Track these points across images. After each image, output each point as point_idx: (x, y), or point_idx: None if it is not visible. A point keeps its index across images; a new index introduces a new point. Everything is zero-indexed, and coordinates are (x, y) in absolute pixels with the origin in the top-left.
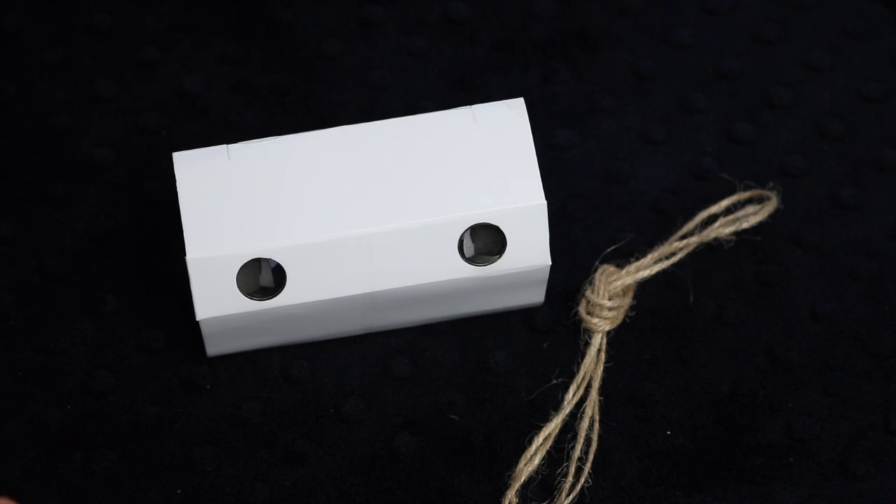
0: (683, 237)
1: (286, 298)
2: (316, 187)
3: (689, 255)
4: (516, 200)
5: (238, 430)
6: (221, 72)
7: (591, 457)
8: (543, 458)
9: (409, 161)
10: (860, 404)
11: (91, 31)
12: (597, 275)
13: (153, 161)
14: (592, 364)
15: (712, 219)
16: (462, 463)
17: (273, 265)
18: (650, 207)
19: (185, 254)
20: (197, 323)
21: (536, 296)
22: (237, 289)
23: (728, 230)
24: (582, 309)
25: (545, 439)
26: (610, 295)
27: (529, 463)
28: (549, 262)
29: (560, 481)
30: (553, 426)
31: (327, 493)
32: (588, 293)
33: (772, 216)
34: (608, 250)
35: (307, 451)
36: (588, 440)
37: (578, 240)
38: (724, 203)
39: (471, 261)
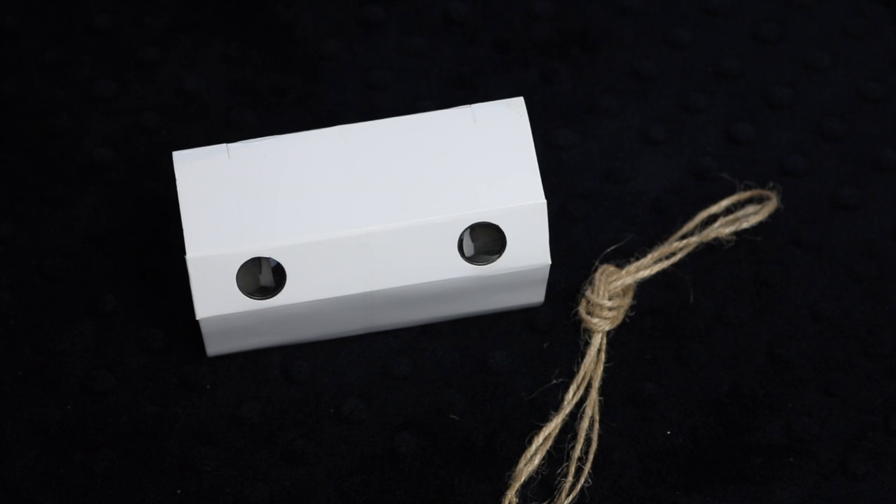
0: (683, 237)
1: (286, 297)
2: (316, 186)
3: (689, 255)
4: (516, 199)
5: (238, 430)
6: (221, 72)
7: (591, 457)
8: (543, 458)
9: (408, 160)
10: (860, 404)
11: (91, 31)
12: (597, 275)
13: (153, 161)
14: (592, 364)
15: (712, 219)
16: (462, 463)
17: (273, 264)
18: (650, 207)
19: (185, 253)
20: (197, 323)
21: (536, 295)
22: (237, 288)
23: (728, 230)
24: (582, 309)
25: (545, 439)
26: (610, 295)
27: (529, 463)
28: (549, 262)
29: (560, 481)
30: (553, 426)
31: (327, 493)
32: (588, 293)
33: (772, 216)
34: (608, 250)
35: (307, 451)
36: (588, 440)
37: (578, 240)
38: (724, 203)
39: (471, 260)
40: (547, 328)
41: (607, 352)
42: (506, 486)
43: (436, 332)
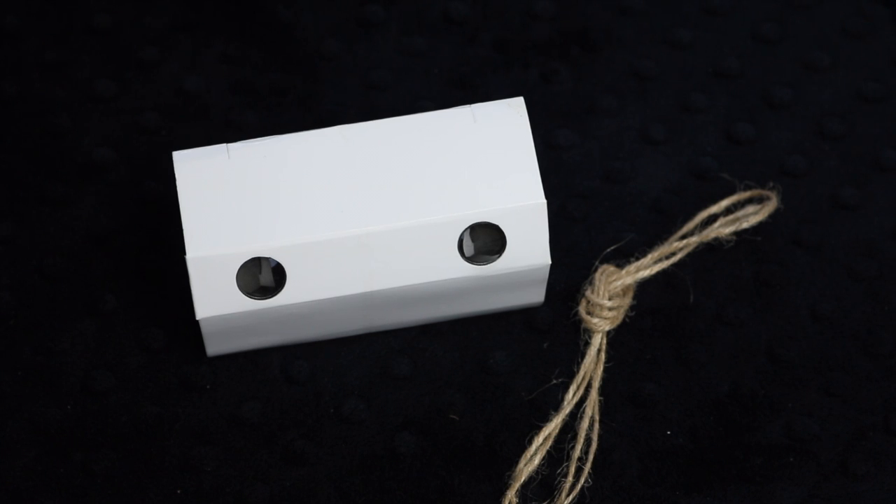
0: (683, 237)
1: (286, 297)
2: (316, 186)
3: (689, 255)
4: (516, 199)
5: (238, 430)
6: (221, 72)
7: (591, 457)
8: (543, 458)
9: (408, 160)
10: (860, 404)
11: (91, 31)
12: (597, 275)
13: (153, 161)
14: (592, 364)
15: (712, 219)
16: (462, 463)
17: (273, 264)
18: (650, 207)
19: (185, 253)
20: (197, 323)
21: (536, 295)
22: (237, 288)
23: (728, 230)
24: (582, 309)
25: (545, 439)
26: (610, 295)
27: (529, 463)
28: (549, 262)
29: (560, 481)
30: (553, 426)
31: (327, 493)
32: (588, 293)
33: (772, 216)
34: (608, 250)
35: (307, 451)
36: (588, 440)
37: (578, 240)
38: (724, 203)
39: (471, 260)
40: (547, 328)
41: (607, 352)
42: (506, 486)
43: (436, 332)
